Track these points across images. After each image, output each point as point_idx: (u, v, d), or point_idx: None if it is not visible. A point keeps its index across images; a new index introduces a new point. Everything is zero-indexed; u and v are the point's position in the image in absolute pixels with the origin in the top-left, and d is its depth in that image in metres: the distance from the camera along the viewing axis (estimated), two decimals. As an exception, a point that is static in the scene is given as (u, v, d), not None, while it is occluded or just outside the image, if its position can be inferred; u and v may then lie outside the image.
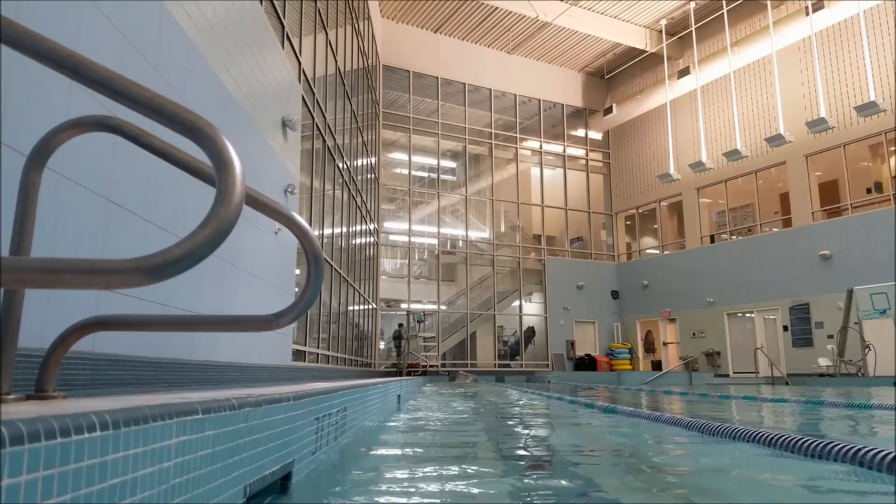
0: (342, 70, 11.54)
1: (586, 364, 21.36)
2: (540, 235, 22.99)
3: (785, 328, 17.63)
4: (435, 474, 2.35)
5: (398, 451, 3.08)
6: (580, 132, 24.83)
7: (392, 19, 21.06)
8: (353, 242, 13.47)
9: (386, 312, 20.73)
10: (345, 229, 11.98)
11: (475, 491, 2.04)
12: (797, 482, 2.23)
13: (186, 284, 3.77)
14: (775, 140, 17.17)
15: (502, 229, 23.60)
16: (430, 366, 19.60)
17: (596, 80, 25.25)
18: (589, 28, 21.30)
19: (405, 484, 2.16)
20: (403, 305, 20.91)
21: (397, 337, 19.80)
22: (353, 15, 13.37)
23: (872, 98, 15.31)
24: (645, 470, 2.56)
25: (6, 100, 2.10)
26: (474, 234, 22.51)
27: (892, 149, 16.22)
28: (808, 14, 17.14)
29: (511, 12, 20.58)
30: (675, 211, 22.58)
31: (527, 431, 4.27)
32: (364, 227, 15.23)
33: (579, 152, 24.62)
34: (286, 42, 6.87)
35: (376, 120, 19.45)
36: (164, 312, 3.35)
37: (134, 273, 0.82)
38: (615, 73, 24.70)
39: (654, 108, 22.57)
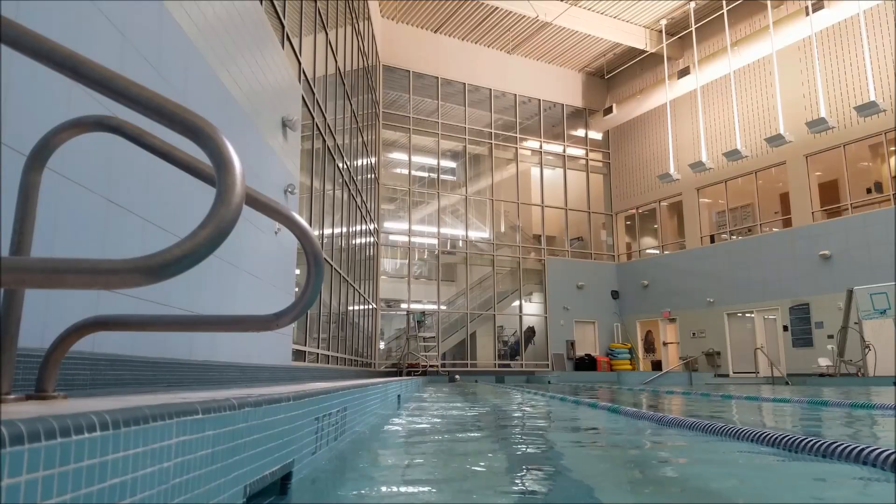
0: (342, 70, 11.54)
1: (586, 364, 21.36)
2: (540, 235, 22.99)
3: (785, 328, 17.63)
4: (435, 473, 2.35)
5: (398, 451, 3.08)
6: (580, 132, 24.83)
7: (392, 19, 21.06)
8: (353, 242, 13.47)
9: (386, 312, 20.73)
10: (345, 229, 11.98)
11: (475, 490, 2.04)
12: (799, 482, 2.23)
13: (186, 284, 3.77)
14: (775, 140, 17.17)
15: (502, 229, 23.59)
16: (430, 366, 19.60)
17: (596, 80, 25.25)
18: (589, 28, 21.30)
19: (405, 483, 2.16)
20: (403, 305, 20.91)
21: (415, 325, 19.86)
22: (353, 15, 13.37)
23: (872, 98, 15.30)
24: (647, 470, 2.56)
25: (6, 100, 2.10)
26: (474, 234, 22.50)
27: (892, 149, 16.22)
28: (808, 14, 17.14)
29: (511, 12, 20.58)
30: (675, 211, 22.57)
31: (527, 430, 4.27)
32: (364, 227, 15.23)
33: (579, 152, 24.62)
34: (286, 42, 6.87)
35: (376, 120, 19.45)
36: (164, 312, 3.35)
37: (134, 273, 0.82)
38: (615, 73, 24.70)
39: (654, 108, 22.57)
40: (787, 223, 18.49)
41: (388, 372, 18.65)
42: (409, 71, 21.48)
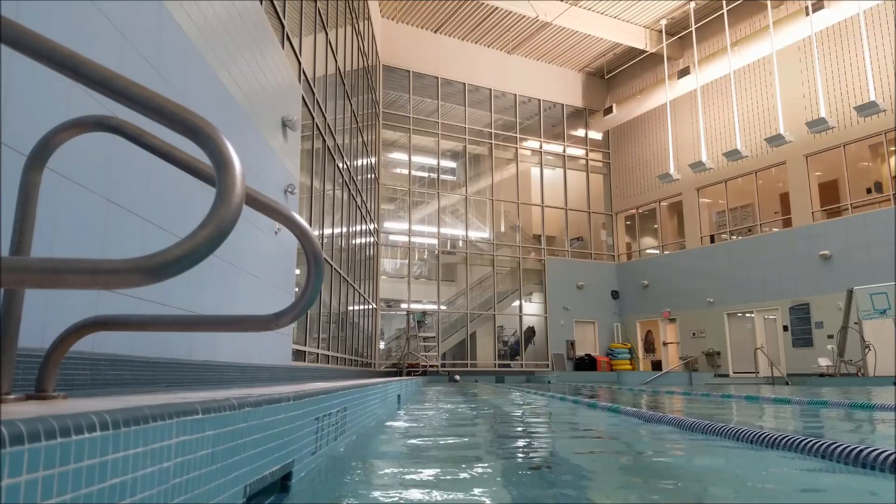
0: (342, 70, 11.54)
1: (586, 364, 21.36)
2: (540, 235, 22.99)
3: (785, 328, 17.63)
4: (435, 473, 2.35)
5: (398, 451, 3.08)
6: (580, 132, 24.83)
7: (392, 19, 21.06)
8: (353, 242, 13.47)
9: (386, 312, 20.73)
10: (345, 229, 11.98)
11: (475, 489, 2.04)
12: (798, 483, 2.23)
13: (186, 284, 3.77)
14: (775, 140, 17.18)
15: (502, 229, 23.60)
16: (430, 366, 19.60)
17: (596, 80, 25.25)
18: (589, 28, 21.30)
19: (405, 483, 2.16)
20: (403, 305, 20.91)
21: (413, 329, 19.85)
22: (353, 15, 13.37)
23: (872, 98, 15.30)
24: (646, 470, 2.56)
25: (6, 100, 2.10)
26: (474, 234, 22.50)
27: (892, 149, 16.22)
28: (808, 14, 17.14)
29: (511, 12, 20.58)
30: (675, 211, 22.57)
31: (526, 430, 4.27)
32: (364, 227, 15.23)
33: (579, 152, 24.62)
34: (286, 42, 6.87)
35: (376, 120, 19.45)
36: (164, 312, 3.35)
37: (134, 273, 0.82)
38: (615, 73, 24.70)
39: (654, 108, 22.57)
40: (787, 223, 18.49)
41: (388, 372, 18.65)
42: (409, 71, 21.48)
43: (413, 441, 3.56)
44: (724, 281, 19.52)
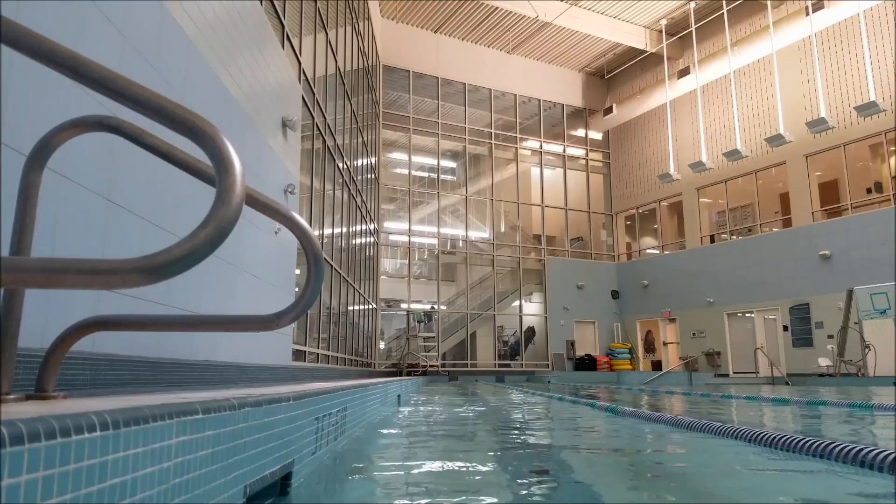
0: (342, 70, 11.54)
1: (586, 364, 21.36)
2: (540, 235, 22.99)
3: (785, 328, 17.63)
4: (435, 473, 2.35)
5: (398, 451, 3.08)
6: (580, 132, 24.83)
7: (392, 19, 21.06)
8: (353, 242, 13.47)
9: (386, 312, 20.73)
10: (345, 229, 11.98)
11: (475, 489, 2.04)
12: (798, 483, 2.23)
13: (186, 284, 3.77)
14: (775, 140, 17.17)
15: (502, 229, 23.60)
16: (430, 366, 19.60)
17: (596, 80, 25.25)
18: (589, 28, 21.31)
19: (405, 483, 2.16)
20: (403, 305, 20.91)
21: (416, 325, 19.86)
22: (353, 15, 13.36)
23: (872, 98, 15.30)
24: (645, 470, 2.56)
25: (6, 100, 2.10)
26: (474, 234, 22.50)
27: (892, 149, 16.22)
28: (808, 14, 17.14)
29: (511, 12, 20.58)
30: (675, 211, 22.57)
31: (526, 429, 4.27)
32: (364, 227, 15.23)
33: (579, 152, 24.62)
34: (286, 42, 6.87)
35: (376, 120, 19.45)
36: (164, 312, 3.35)
37: (134, 273, 0.82)
38: (615, 73, 24.70)
39: (654, 108, 22.57)
40: (787, 223, 18.48)
41: (388, 372, 18.65)
42: (409, 71, 21.48)
43: (413, 441, 3.56)
44: (724, 281, 19.52)
